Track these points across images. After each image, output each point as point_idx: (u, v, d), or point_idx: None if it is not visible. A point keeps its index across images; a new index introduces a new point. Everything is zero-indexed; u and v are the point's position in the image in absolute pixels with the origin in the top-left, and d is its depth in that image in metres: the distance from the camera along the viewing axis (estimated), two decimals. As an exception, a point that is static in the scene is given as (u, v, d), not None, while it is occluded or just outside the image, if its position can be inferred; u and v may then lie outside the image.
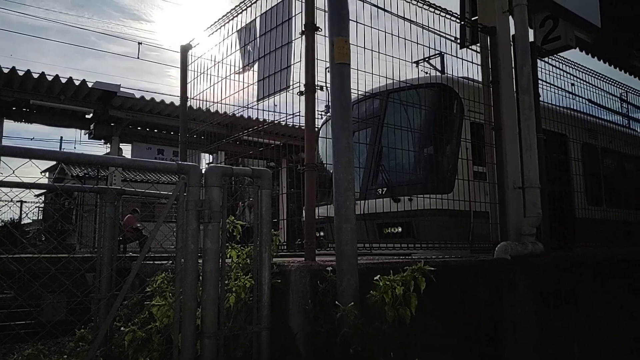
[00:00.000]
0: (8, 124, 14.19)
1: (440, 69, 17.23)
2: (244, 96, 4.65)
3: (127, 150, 16.94)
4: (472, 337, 3.96)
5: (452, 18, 4.92)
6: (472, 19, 5.67)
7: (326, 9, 3.55)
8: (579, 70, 7.04)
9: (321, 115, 8.95)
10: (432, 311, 3.37)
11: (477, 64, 5.21)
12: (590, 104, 7.62)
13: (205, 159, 8.59)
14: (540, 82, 5.83)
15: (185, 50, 5.64)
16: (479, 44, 5.29)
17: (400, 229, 5.85)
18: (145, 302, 3.50)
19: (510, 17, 5.34)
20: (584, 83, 7.21)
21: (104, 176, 18.90)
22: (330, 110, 3.47)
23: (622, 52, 8.91)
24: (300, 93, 3.67)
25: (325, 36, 3.57)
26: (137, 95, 14.46)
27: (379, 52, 4.15)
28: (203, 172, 2.74)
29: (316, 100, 3.67)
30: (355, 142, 5.44)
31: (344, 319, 2.85)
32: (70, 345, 3.97)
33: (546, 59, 6.30)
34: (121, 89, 14.08)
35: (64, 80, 13.03)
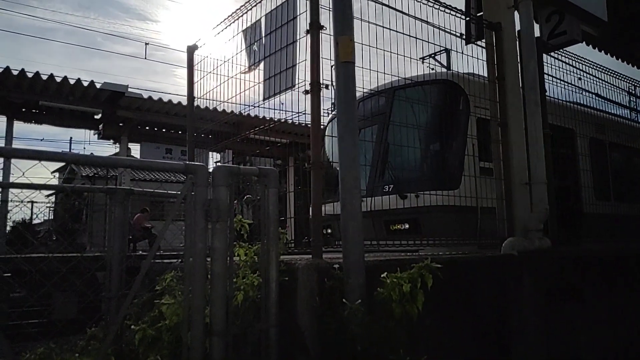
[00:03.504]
0: (18, 125, 14.27)
1: (446, 65, 17.14)
2: (251, 95, 4.69)
3: (135, 149, 17.08)
4: (478, 333, 3.97)
5: (457, 14, 4.91)
6: (478, 14, 5.65)
7: (331, 8, 3.57)
8: (586, 65, 7.01)
9: (327, 112, 8.97)
10: (439, 307, 3.38)
11: (483, 60, 5.20)
12: (597, 98, 7.58)
13: (213, 158, 8.65)
14: (546, 76, 5.81)
15: (191, 50, 5.67)
16: (484, 40, 5.27)
17: (407, 226, 5.85)
18: (155, 300, 3.54)
19: (515, 13, 5.32)
20: (591, 77, 7.17)
21: (114, 176, 19.01)
22: (336, 107, 3.48)
23: (630, 46, 8.82)
24: (306, 92, 3.69)
25: (330, 34, 3.58)
26: (145, 95, 14.56)
27: (384, 50, 4.15)
28: (210, 171, 2.76)
29: (322, 98, 3.70)
30: (362, 139, 5.48)
31: (351, 316, 2.87)
32: (81, 344, 4.02)
33: (552, 54, 6.27)
34: (129, 89, 14.16)
35: (72, 82, 13.12)
